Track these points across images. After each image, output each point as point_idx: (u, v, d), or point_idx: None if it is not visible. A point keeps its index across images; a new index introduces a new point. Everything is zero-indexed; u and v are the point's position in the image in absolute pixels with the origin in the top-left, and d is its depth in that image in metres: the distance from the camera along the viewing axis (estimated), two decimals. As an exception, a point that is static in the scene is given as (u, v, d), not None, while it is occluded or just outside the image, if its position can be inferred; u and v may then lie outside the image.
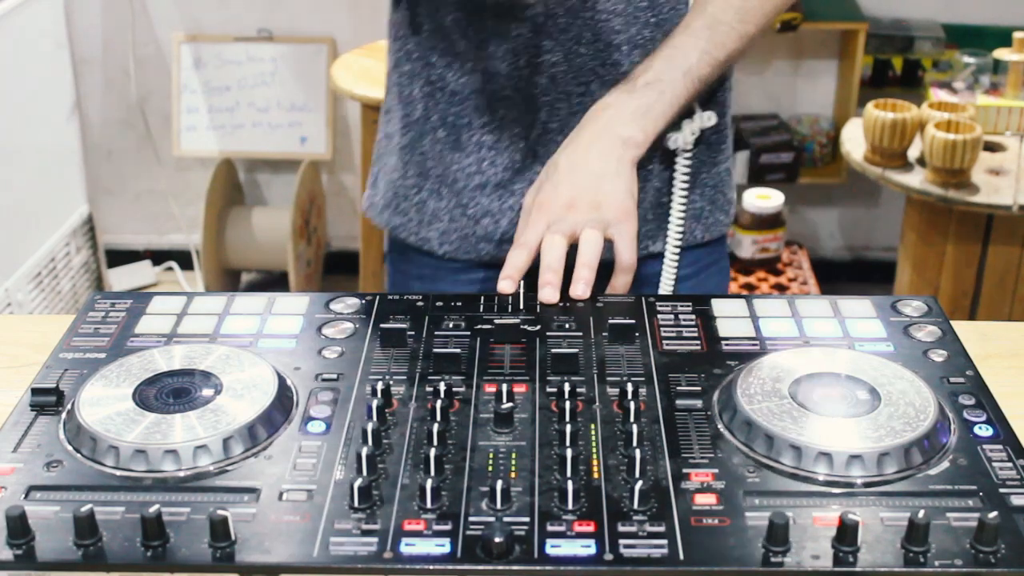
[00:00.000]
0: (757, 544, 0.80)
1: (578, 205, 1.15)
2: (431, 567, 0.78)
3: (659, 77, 1.19)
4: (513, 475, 0.87)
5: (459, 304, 1.11)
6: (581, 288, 1.11)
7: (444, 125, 1.28)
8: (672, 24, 1.22)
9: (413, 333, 1.07)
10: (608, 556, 0.79)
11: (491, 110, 1.25)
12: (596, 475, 0.87)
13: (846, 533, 0.79)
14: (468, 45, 1.24)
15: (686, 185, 1.27)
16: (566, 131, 1.23)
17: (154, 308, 1.12)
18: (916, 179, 2.54)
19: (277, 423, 0.93)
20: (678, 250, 1.28)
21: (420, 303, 1.12)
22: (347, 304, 1.12)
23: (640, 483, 0.84)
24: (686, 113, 1.24)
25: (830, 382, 0.96)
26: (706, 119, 1.25)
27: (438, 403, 0.93)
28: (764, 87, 3.42)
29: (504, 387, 0.96)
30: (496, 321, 1.08)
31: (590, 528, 0.81)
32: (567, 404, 0.93)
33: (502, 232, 1.29)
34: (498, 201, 1.28)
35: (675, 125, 1.23)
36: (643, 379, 1.00)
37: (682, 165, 1.26)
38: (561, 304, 1.12)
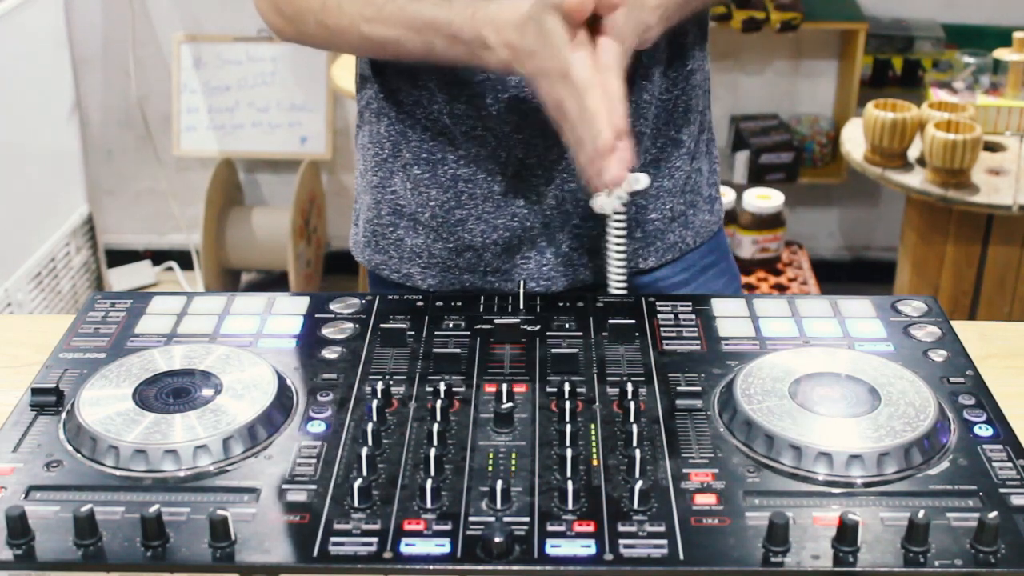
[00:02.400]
0: (757, 544, 0.80)
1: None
2: (431, 567, 0.78)
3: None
4: (513, 470, 0.87)
5: (459, 304, 1.11)
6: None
7: (418, 162, 1.25)
8: (643, 54, 1.17)
9: (413, 333, 1.07)
10: (608, 556, 0.79)
11: (465, 146, 1.22)
12: (596, 474, 0.87)
13: (846, 533, 0.79)
14: (437, 84, 1.20)
15: (621, 245, 1.17)
16: (545, 164, 1.20)
17: (154, 308, 1.12)
18: (916, 179, 2.54)
19: (277, 423, 0.93)
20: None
21: (420, 303, 1.12)
22: (347, 304, 1.12)
23: (640, 483, 0.84)
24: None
25: (830, 382, 0.96)
26: (635, 182, 1.14)
27: (438, 403, 0.93)
28: (764, 87, 3.42)
29: (504, 387, 0.96)
30: (496, 321, 1.08)
31: (590, 528, 0.81)
32: (567, 404, 0.93)
33: (485, 263, 1.27)
34: (480, 236, 1.25)
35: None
36: (643, 379, 0.99)
37: (614, 227, 1.16)
38: (562, 304, 1.11)
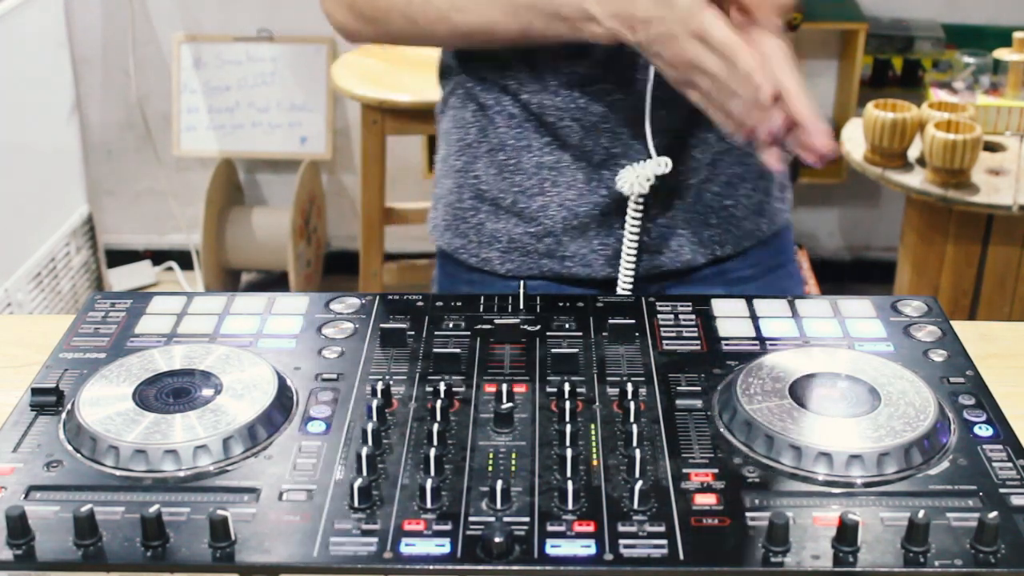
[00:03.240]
0: (757, 544, 0.80)
1: None
2: (431, 567, 0.78)
3: None
4: (513, 470, 0.87)
5: (459, 304, 1.11)
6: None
7: (503, 148, 1.26)
8: None
9: (413, 333, 1.07)
10: (608, 556, 0.79)
11: (550, 133, 1.23)
12: (596, 474, 0.87)
13: (846, 533, 0.79)
14: (527, 75, 1.22)
15: (636, 232, 1.24)
16: (630, 155, 1.22)
17: (154, 308, 1.12)
18: (916, 179, 2.54)
19: (277, 423, 0.93)
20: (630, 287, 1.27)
21: (420, 303, 1.12)
22: (347, 304, 1.12)
23: (640, 483, 0.84)
24: (640, 157, 1.22)
25: (830, 382, 0.96)
26: (661, 165, 1.20)
27: (438, 403, 0.93)
28: (764, 87, 3.42)
29: (504, 387, 0.96)
30: (496, 321, 1.08)
31: (590, 528, 0.81)
32: (567, 404, 0.93)
33: (564, 248, 1.28)
34: (562, 222, 1.27)
35: (623, 167, 1.22)
36: (643, 379, 1.00)
37: (632, 211, 1.23)
38: (562, 304, 1.12)
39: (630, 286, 1.26)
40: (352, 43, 1.25)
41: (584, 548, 0.80)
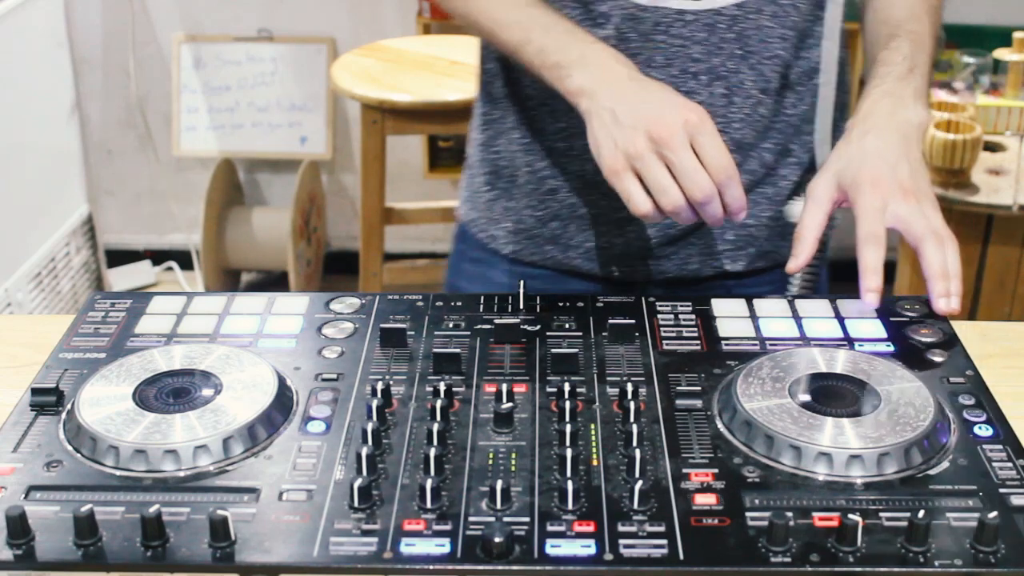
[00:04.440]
0: (757, 544, 0.80)
1: (915, 194, 1.10)
2: (431, 567, 0.78)
3: (916, 62, 1.18)
4: (513, 470, 0.87)
5: (459, 304, 1.11)
6: (956, 302, 1.07)
7: (519, 127, 1.28)
8: (760, 58, 1.20)
9: (413, 333, 1.07)
10: (608, 556, 0.79)
11: (566, 119, 1.23)
12: (596, 474, 0.87)
13: (846, 533, 0.79)
14: None
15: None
16: None
17: (154, 308, 1.12)
18: (916, 179, 2.54)
19: (277, 423, 0.93)
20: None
21: (420, 303, 1.12)
22: (347, 304, 1.12)
23: (640, 483, 0.84)
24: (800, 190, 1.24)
25: (830, 382, 0.96)
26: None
27: (438, 403, 0.93)
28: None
29: (504, 387, 0.96)
30: (496, 321, 1.08)
31: (590, 528, 0.81)
32: (567, 404, 0.93)
33: (569, 236, 1.28)
34: (569, 209, 1.27)
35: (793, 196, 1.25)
36: (643, 379, 0.99)
37: None
38: (562, 304, 1.12)
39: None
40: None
41: (584, 548, 0.80)
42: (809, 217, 1.11)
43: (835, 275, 1.44)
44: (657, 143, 1.04)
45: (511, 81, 1.27)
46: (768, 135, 1.24)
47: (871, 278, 1.06)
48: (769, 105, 1.22)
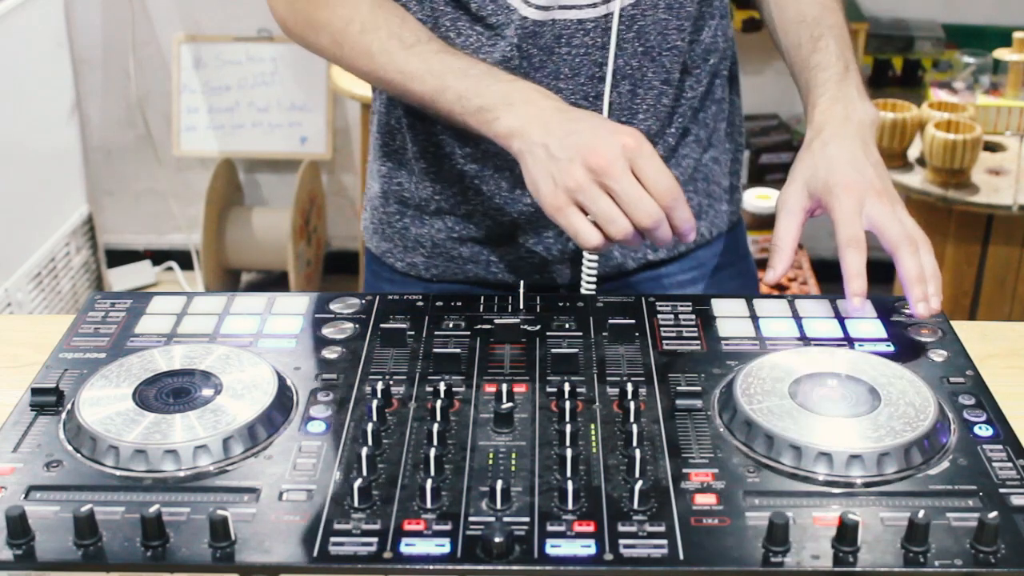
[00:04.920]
0: (757, 544, 0.80)
1: (886, 195, 1.10)
2: (431, 567, 0.78)
3: (847, 59, 1.19)
4: (513, 470, 0.87)
5: (459, 304, 1.11)
6: (936, 302, 1.07)
7: (425, 156, 1.26)
8: (660, 50, 1.20)
9: (413, 333, 1.07)
10: (608, 556, 0.79)
11: (473, 143, 1.22)
12: (596, 474, 0.87)
13: (846, 533, 0.79)
14: None
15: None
16: None
17: (154, 308, 1.12)
18: (916, 179, 2.54)
19: (277, 423, 0.93)
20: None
21: (420, 303, 1.12)
22: (347, 304, 1.12)
23: (640, 483, 0.84)
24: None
25: (830, 382, 0.96)
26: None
27: (438, 403, 0.93)
28: (764, 87, 3.42)
29: (504, 387, 0.96)
30: (496, 321, 1.08)
31: (590, 528, 0.81)
32: (567, 404, 0.93)
33: (488, 254, 1.28)
34: (485, 229, 1.26)
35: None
36: (643, 379, 0.99)
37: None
38: (562, 304, 1.11)
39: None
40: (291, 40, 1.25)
41: (584, 548, 0.80)
42: (784, 228, 1.11)
43: (822, 276, 1.45)
44: (597, 173, 1.02)
45: (411, 111, 1.24)
46: (671, 121, 1.25)
47: (855, 282, 1.06)
48: (671, 94, 1.23)
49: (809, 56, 1.20)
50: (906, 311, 1.10)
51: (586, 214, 1.04)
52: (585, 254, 1.17)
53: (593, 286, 1.17)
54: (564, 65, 1.18)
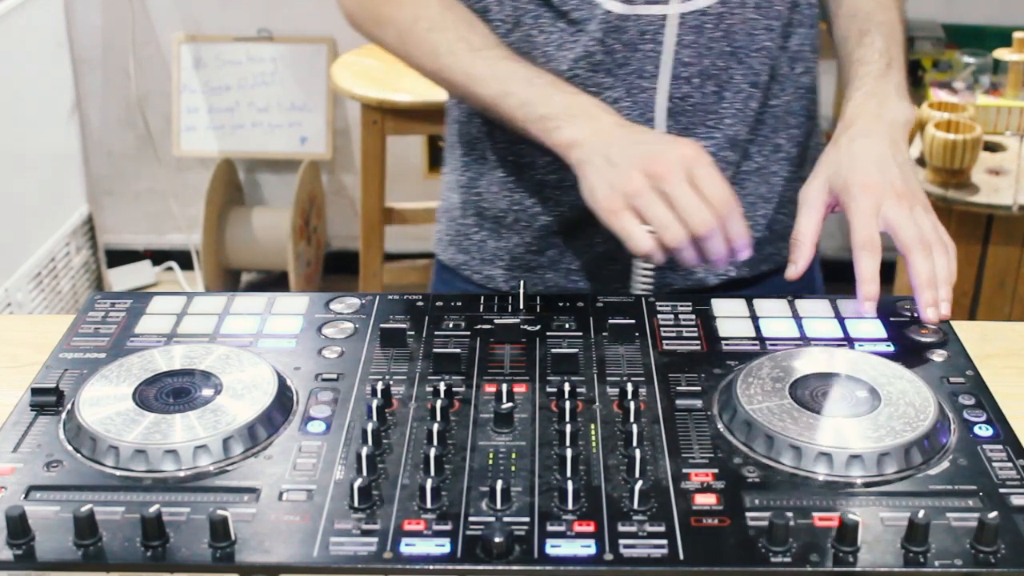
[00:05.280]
0: (757, 544, 0.80)
1: (906, 197, 1.09)
2: (431, 567, 0.78)
3: (892, 56, 1.18)
4: (513, 470, 0.87)
5: (459, 304, 1.11)
6: (946, 308, 1.07)
7: (504, 164, 1.25)
8: (748, 51, 1.19)
9: (413, 333, 1.07)
10: (608, 556, 0.79)
11: (552, 152, 1.19)
12: (596, 474, 0.87)
13: (846, 533, 0.79)
14: None
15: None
16: None
17: (154, 308, 1.12)
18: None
19: (277, 423, 0.93)
20: None
21: (420, 303, 1.12)
22: (347, 304, 1.12)
23: (640, 483, 0.84)
24: None
25: (830, 382, 0.96)
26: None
27: (438, 403, 0.93)
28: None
29: (504, 387, 0.96)
30: (496, 321, 1.08)
31: (590, 528, 0.81)
32: (567, 404, 0.93)
33: (568, 262, 1.27)
34: (564, 237, 1.26)
35: None
36: (643, 379, 0.99)
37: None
38: (562, 304, 1.12)
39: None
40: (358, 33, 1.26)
41: (584, 548, 0.80)
42: (804, 223, 1.11)
43: (829, 276, 1.44)
44: (654, 179, 1.03)
45: (489, 120, 1.24)
46: (758, 129, 1.24)
47: (868, 286, 1.06)
48: (758, 98, 1.22)
49: (853, 50, 1.20)
50: (907, 309, 1.10)
51: (643, 224, 1.04)
52: (637, 261, 1.17)
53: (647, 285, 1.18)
54: (648, 63, 1.17)
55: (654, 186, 1.04)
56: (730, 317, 1.09)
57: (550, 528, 0.81)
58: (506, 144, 1.25)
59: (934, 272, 1.06)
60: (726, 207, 1.04)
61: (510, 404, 0.94)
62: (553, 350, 1.02)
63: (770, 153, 1.26)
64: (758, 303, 1.12)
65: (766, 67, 1.21)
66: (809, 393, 0.94)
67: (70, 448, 0.90)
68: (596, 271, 1.27)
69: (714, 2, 1.16)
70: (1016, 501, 0.84)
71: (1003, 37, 2.89)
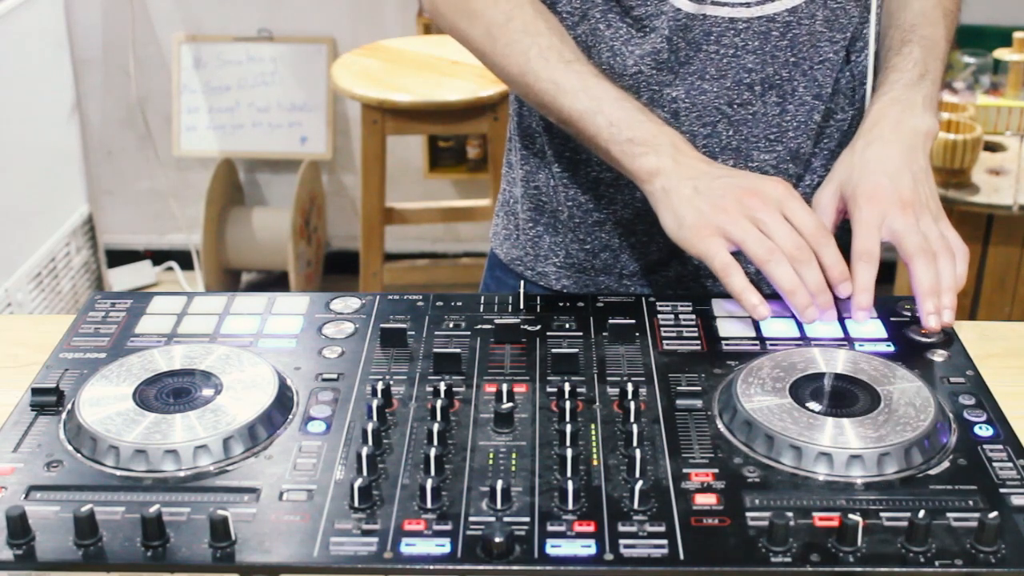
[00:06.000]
0: (757, 544, 0.80)
1: (913, 206, 1.09)
2: (431, 567, 0.78)
3: (928, 68, 1.17)
4: (513, 470, 0.87)
5: (459, 304, 1.11)
6: (949, 316, 1.06)
7: (560, 160, 1.24)
8: (813, 63, 1.18)
9: (413, 333, 1.07)
10: (608, 556, 0.79)
11: None
12: (596, 474, 0.87)
13: (846, 533, 0.79)
14: None
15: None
16: None
17: (154, 308, 1.12)
18: (916, 179, 2.54)
19: (277, 423, 0.93)
20: None
21: (420, 303, 1.12)
22: (347, 304, 1.12)
23: (640, 483, 0.84)
24: None
25: (830, 382, 0.96)
26: None
27: (438, 403, 0.93)
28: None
29: (504, 387, 0.96)
30: (496, 321, 1.08)
31: (590, 528, 0.81)
32: (567, 404, 0.93)
33: (622, 265, 1.26)
34: (618, 237, 1.25)
35: None
36: (643, 379, 0.99)
37: None
38: (563, 304, 1.12)
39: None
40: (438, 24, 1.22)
41: (584, 548, 0.80)
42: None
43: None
44: (749, 209, 1.04)
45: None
46: (821, 143, 1.23)
47: (862, 296, 1.06)
48: (822, 111, 1.21)
49: (891, 58, 1.19)
50: (907, 309, 1.10)
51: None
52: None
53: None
54: (711, 65, 1.16)
55: (747, 215, 1.04)
56: (730, 317, 1.09)
57: (550, 528, 0.81)
58: (561, 138, 1.23)
59: (937, 280, 1.06)
60: (820, 234, 1.04)
61: (510, 404, 0.94)
62: (553, 350, 1.02)
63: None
64: (758, 303, 1.12)
65: (829, 80, 1.20)
66: (809, 393, 0.94)
67: (70, 448, 0.90)
68: (649, 277, 1.26)
69: (783, 10, 1.15)
70: (1016, 501, 0.84)
71: (1003, 37, 2.89)
